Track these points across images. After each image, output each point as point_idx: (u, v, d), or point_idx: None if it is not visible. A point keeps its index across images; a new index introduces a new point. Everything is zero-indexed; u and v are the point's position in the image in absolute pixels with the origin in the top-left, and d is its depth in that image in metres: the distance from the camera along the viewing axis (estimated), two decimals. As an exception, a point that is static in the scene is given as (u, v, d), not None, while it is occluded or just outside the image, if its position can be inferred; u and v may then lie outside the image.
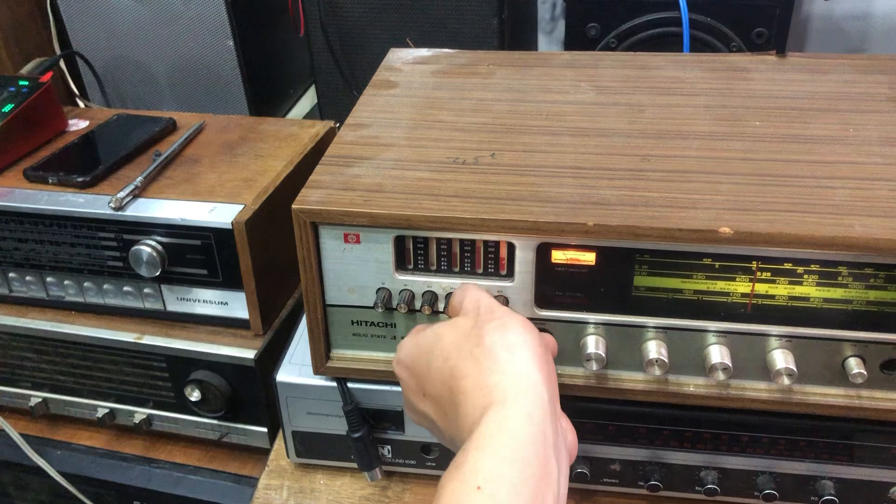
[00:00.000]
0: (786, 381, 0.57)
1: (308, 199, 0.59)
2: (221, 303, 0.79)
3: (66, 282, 0.81)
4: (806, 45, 1.29)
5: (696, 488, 0.66)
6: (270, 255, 0.77)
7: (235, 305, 0.78)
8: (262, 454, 0.82)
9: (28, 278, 0.82)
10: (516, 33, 1.11)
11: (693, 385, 0.61)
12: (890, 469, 0.62)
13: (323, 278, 0.62)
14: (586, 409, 0.64)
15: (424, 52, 0.85)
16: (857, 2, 1.23)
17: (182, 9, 1.11)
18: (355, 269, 0.61)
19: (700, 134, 0.66)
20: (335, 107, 1.15)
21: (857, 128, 0.66)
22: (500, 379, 0.47)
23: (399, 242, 0.60)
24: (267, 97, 1.24)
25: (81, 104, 1.23)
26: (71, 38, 1.18)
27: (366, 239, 0.60)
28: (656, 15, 0.94)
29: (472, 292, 0.56)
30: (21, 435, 0.83)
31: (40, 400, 0.87)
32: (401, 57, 0.84)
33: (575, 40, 0.97)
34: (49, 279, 0.82)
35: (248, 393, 0.78)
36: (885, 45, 1.25)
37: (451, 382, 0.49)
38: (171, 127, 0.91)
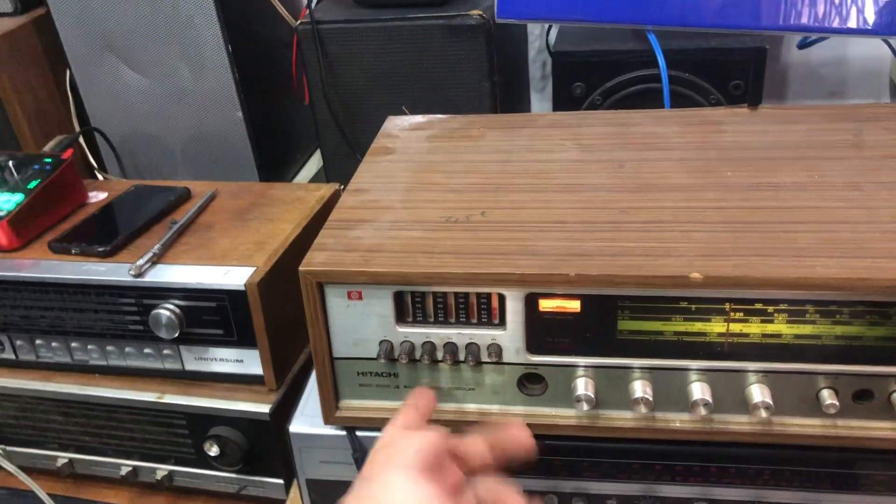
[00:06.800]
0: (763, 413, 0.61)
1: (314, 261, 0.64)
2: (237, 360, 0.83)
3: (89, 346, 0.86)
4: (786, 91, 1.35)
5: (690, 520, 0.69)
6: (282, 313, 0.81)
7: (250, 362, 0.82)
8: (278, 505, 0.85)
9: (54, 344, 0.87)
10: (508, 94, 1.16)
11: (679, 421, 0.65)
12: (871, 495, 0.65)
13: (330, 334, 0.66)
14: (581, 447, 0.67)
15: (419, 118, 0.91)
16: (832, 49, 1.28)
17: (193, 84, 1.17)
18: (359, 324, 0.66)
19: (675, 186, 0.71)
20: (340, 169, 1.21)
21: (822, 174, 0.70)
22: None
23: (398, 297, 0.64)
24: (275, 163, 1.29)
25: (100, 177, 1.29)
26: (89, 115, 1.24)
27: (368, 295, 0.64)
28: (638, 72, 1.00)
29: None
30: (49, 495, 0.86)
31: (66, 461, 0.91)
32: (397, 124, 0.90)
33: (562, 99, 1.03)
34: (74, 344, 0.86)
35: (265, 446, 0.82)
36: (860, 87, 1.30)
37: None
38: (185, 196, 0.95)
